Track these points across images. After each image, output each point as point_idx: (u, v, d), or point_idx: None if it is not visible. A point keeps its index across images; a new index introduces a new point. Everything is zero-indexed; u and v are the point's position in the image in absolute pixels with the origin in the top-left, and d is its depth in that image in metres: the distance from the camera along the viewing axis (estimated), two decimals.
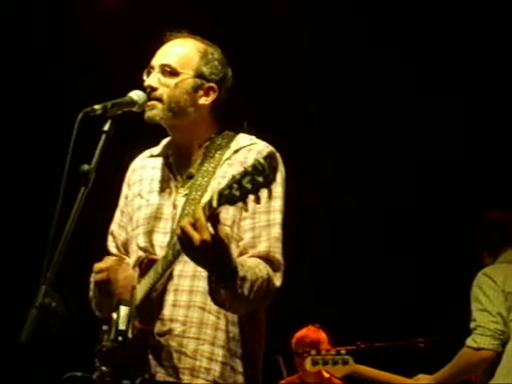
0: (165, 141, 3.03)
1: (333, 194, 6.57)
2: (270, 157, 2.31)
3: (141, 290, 2.72)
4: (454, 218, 6.11)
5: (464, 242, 4.92)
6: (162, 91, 2.82)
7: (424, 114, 6.42)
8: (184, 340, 2.71)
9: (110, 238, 3.06)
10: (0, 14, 6.15)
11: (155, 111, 2.82)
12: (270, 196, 2.31)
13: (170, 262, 2.62)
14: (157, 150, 3.04)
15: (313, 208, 6.25)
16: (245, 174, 2.31)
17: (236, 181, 2.32)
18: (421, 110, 6.42)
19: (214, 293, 2.56)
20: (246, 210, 2.46)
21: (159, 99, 2.82)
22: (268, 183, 2.28)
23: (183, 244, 2.45)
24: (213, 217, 2.42)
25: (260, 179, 2.28)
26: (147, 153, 3.07)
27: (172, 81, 2.83)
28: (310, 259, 6.44)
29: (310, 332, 6.23)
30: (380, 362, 4.97)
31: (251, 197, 2.30)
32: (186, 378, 2.69)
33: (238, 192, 2.31)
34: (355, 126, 6.66)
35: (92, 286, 2.86)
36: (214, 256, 2.45)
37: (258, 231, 2.74)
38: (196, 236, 2.40)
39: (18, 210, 6.53)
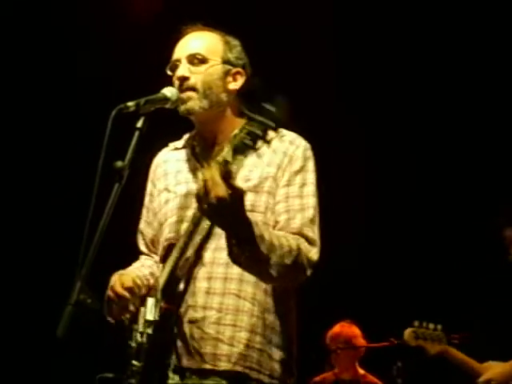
0: (187, 134, 3.04)
1: (364, 193, 6.54)
2: (278, 101, 2.40)
3: (164, 273, 2.73)
4: (484, 217, 6.07)
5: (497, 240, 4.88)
6: (195, 79, 2.84)
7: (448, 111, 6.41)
8: (220, 327, 2.72)
9: (139, 236, 3.09)
10: (31, 15, 6.21)
11: (192, 102, 2.83)
12: (278, 133, 2.46)
13: (185, 243, 2.69)
14: (180, 143, 3.05)
15: (341, 203, 6.21)
16: (254, 121, 2.41)
17: (247, 132, 2.39)
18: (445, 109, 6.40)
19: (234, 254, 2.54)
20: (257, 150, 2.46)
21: (193, 88, 2.83)
22: (277, 126, 2.39)
23: (200, 202, 2.43)
24: (228, 175, 2.40)
25: (271, 123, 2.37)
26: (170, 146, 3.08)
27: (202, 68, 2.85)
28: (341, 255, 6.41)
29: (345, 328, 6.21)
30: (413, 358, 4.92)
31: (260, 142, 2.38)
32: (223, 364, 2.69)
33: (249, 140, 2.39)
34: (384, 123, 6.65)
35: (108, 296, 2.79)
36: (229, 212, 2.41)
37: (293, 213, 2.76)
38: (212, 192, 2.36)
39: (52, 207, 6.57)
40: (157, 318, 2.61)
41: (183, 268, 2.74)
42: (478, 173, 6.49)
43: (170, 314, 2.69)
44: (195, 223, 2.74)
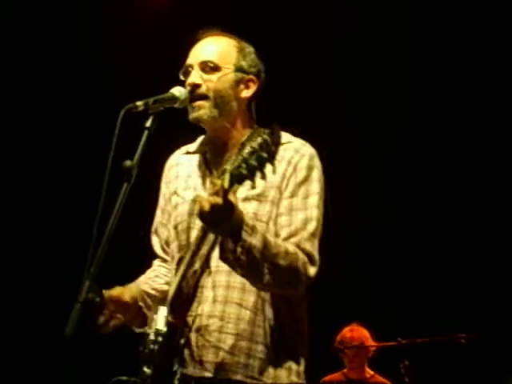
0: (201, 137, 3.03)
1: (371, 192, 6.54)
2: (273, 133, 2.37)
3: (172, 286, 2.74)
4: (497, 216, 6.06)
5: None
6: (207, 87, 2.82)
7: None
8: (222, 335, 2.71)
9: (153, 237, 3.08)
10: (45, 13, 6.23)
11: (202, 111, 2.82)
12: (274, 171, 2.36)
13: (193, 253, 2.69)
14: (193, 146, 3.03)
15: (349, 204, 6.22)
16: (252, 152, 2.35)
17: (244, 160, 2.36)
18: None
19: (227, 260, 2.54)
20: (254, 188, 2.44)
21: (204, 96, 2.82)
22: (271, 158, 2.34)
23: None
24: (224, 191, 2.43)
25: (264, 155, 2.34)
26: (183, 149, 3.07)
27: (214, 76, 2.84)
28: (350, 255, 6.42)
29: (354, 329, 6.22)
30: (421, 357, 4.92)
31: (258, 174, 2.35)
32: (224, 373, 2.69)
33: (246, 170, 2.35)
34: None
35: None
36: (220, 220, 2.44)
37: (294, 228, 2.73)
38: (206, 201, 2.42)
39: (61, 207, 6.59)
40: (164, 331, 2.62)
41: (192, 278, 2.75)
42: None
43: (176, 327, 2.69)
44: (203, 235, 2.73)
